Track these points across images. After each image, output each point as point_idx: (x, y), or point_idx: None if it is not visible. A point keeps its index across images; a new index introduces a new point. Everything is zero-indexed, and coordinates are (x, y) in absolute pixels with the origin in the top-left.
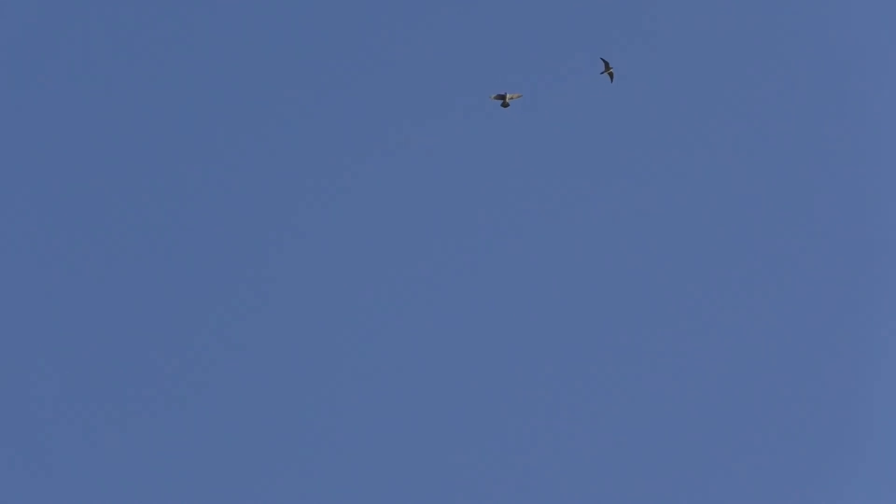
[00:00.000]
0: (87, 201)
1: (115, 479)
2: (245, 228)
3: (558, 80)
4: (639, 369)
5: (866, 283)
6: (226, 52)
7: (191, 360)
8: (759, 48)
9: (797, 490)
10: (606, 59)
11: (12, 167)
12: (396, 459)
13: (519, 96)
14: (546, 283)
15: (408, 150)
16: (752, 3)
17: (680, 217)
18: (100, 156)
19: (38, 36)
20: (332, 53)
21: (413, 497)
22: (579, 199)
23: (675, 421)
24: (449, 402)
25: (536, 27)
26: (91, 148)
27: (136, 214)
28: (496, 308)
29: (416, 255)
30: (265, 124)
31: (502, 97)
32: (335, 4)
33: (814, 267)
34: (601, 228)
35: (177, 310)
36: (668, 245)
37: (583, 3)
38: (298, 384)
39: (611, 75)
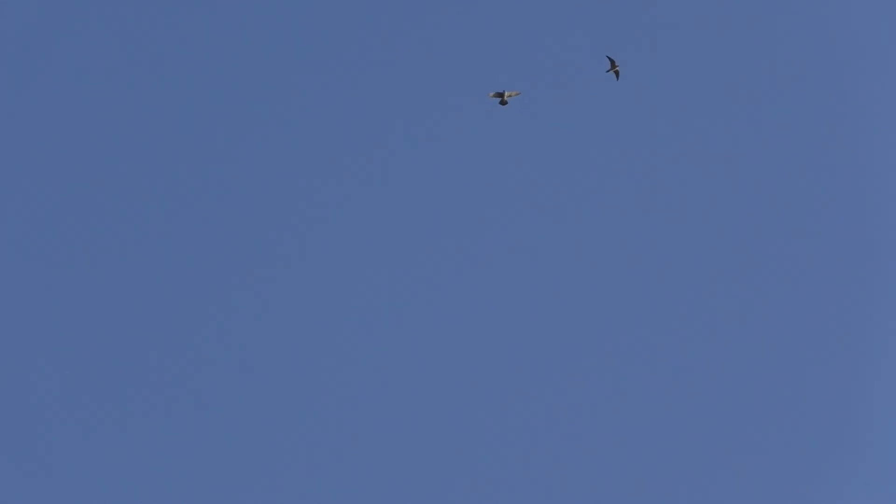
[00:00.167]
0: (87, 201)
1: (115, 479)
2: (245, 228)
3: (558, 79)
4: (638, 369)
5: (866, 283)
6: (226, 52)
7: (191, 360)
8: (760, 48)
9: (797, 490)
10: (612, 57)
11: (12, 167)
12: (396, 459)
13: (517, 94)
14: (546, 282)
15: (407, 149)
16: (753, 2)
17: (680, 217)
18: (100, 156)
19: (38, 36)
20: (331, 53)
21: (413, 497)
22: (579, 198)
23: (675, 421)
24: (449, 402)
25: (535, 26)
26: (91, 148)
27: (135, 214)
28: (496, 308)
29: (416, 254)
30: (265, 124)
31: (500, 95)
32: (334, 4)
33: (814, 267)
34: (601, 228)
35: (177, 310)
36: (668, 245)
37: (582, 1)
38: (299, 384)
39: (616, 73)
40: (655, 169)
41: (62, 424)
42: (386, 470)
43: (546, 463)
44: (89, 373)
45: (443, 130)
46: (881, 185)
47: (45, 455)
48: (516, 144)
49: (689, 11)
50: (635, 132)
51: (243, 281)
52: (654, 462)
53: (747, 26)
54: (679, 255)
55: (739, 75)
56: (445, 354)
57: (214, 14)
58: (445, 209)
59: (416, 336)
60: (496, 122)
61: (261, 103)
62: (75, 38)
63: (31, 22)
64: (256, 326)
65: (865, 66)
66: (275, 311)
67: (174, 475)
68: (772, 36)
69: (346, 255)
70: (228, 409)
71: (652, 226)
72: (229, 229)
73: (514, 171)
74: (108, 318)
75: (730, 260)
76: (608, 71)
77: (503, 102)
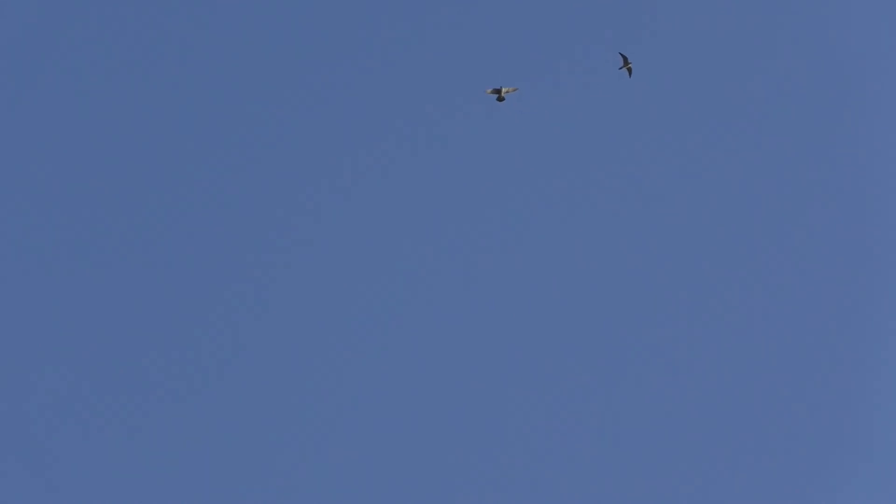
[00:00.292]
0: (87, 201)
1: (115, 479)
2: (245, 228)
3: (557, 78)
4: (638, 369)
5: (866, 283)
6: (226, 51)
7: (191, 361)
8: (760, 48)
9: (797, 490)
10: (625, 55)
11: (12, 167)
12: (396, 459)
13: (515, 90)
14: (546, 282)
15: (406, 148)
16: (753, 2)
17: (680, 216)
18: (100, 156)
19: (38, 36)
20: (330, 52)
21: (413, 497)
22: (579, 197)
23: (675, 421)
24: (450, 402)
25: (534, 24)
26: (91, 148)
27: (135, 214)
28: (496, 307)
29: (415, 254)
30: (263, 124)
31: (497, 91)
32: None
33: (814, 267)
34: (601, 227)
35: (176, 309)
36: (668, 244)
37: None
38: (299, 384)
39: (629, 70)
40: (655, 168)
41: (62, 424)
42: (385, 470)
43: (546, 463)
44: (89, 372)
45: (441, 128)
46: (881, 185)
47: (45, 455)
48: (515, 143)
49: (690, 11)
50: (635, 131)
51: (243, 280)
52: (655, 462)
53: (747, 26)
54: (680, 254)
55: (739, 75)
56: (445, 354)
57: (215, 14)
58: (444, 208)
59: (416, 336)
60: (494, 120)
61: (259, 103)
62: (75, 38)
63: (32, 22)
64: (257, 326)
65: (866, 66)
66: (275, 311)
67: (174, 475)
68: (772, 36)
69: (345, 254)
70: (228, 409)
71: (651, 225)
72: (229, 228)
73: (514, 169)
74: (108, 318)
75: (730, 260)
76: (621, 68)
77: (500, 99)
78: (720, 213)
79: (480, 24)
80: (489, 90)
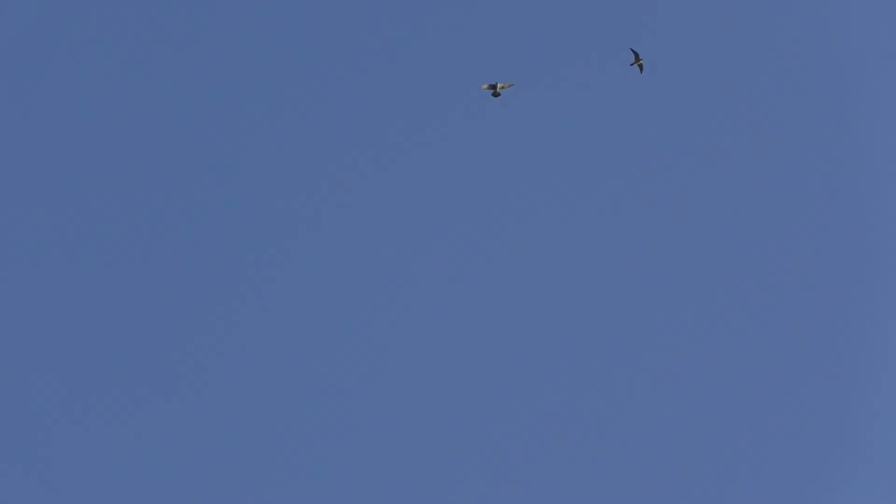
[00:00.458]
0: (87, 201)
1: (114, 479)
2: (245, 228)
3: (555, 75)
4: (638, 369)
5: (866, 283)
6: (226, 52)
7: (191, 360)
8: (759, 48)
9: (797, 490)
10: (636, 50)
11: (12, 167)
12: (396, 459)
13: (510, 86)
14: (546, 281)
15: (404, 147)
16: (753, 2)
17: (680, 216)
18: (100, 155)
19: (38, 36)
20: (329, 51)
21: (413, 497)
22: (579, 197)
23: (675, 421)
24: (450, 402)
25: (533, 23)
26: (91, 147)
27: (135, 214)
28: (496, 307)
29: (415, 254)
30: (263, 123)
31: (493, 87)
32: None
33: (814, 267)
34: (601, 226)
35: (176, 309)
36: (669, 244)
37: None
38: (299, 384)
39: (640, 66)
40: (654, 167)
41: (62, 424)
42: (386, 469)
43: (546, 463)
44: (89, 373)
45: (439, 126)
46: (881, 185)
47: (45, 455)
48: (514, 141)
49: (689, 11)
50: (634, 130)
51: (243, 280)
52: (655, 462)
53: (746, 26)
54: (680, 254)
55: (739, 75)
56: (445, 354)
57: (215, 14)
58: (444, 207)
59: (416, 336)
60: (491, 117)
61: (257, 102)
62: (75, 38)
63: (32, 22)
64: (256, 326)
65: (866, 66)
66: (274, 311)
67: (174, 475)
68: (772, 36)
69: (346, 254)
70: (229, 409)
71: (651, 224)
72: (229, 228)
73: (513, 168)
74: (108, 318)
75: (730, 259)
76: (632, 64)
77: (496, 94)
78: (720, 213)
79: (477, 21)
80: (484, 86)
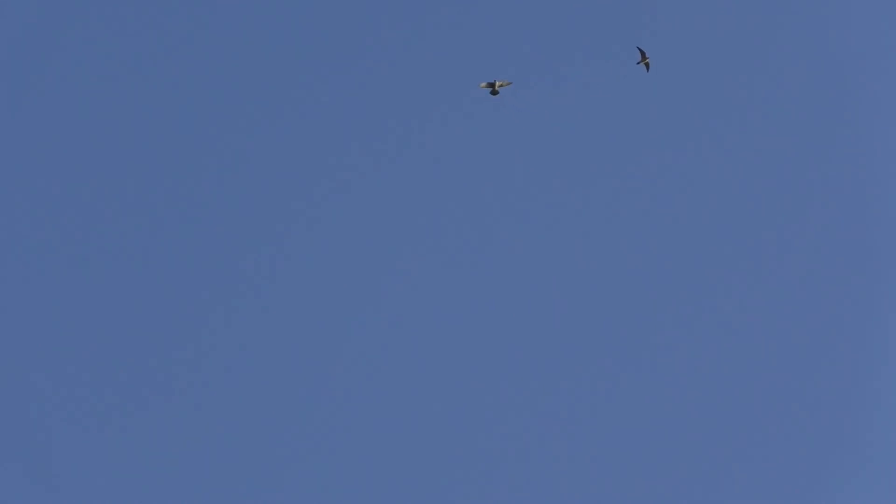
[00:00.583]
0: (87, 201)
1: (114, 479)
2: (244, 227)
3: (554, 74)
4: (638, 369)
5: (866, 283)
6: (225, 52)
7: (191, 360)
8: (759, 48)
9: (797, 490)
10: (643, 49)
11: (12, 167)
12: (396, 459)
13: (509, 84)
14: (547, 281)
15: (403, 146)
16: (753, 2)
17: (680, 216)
18: (100, 155)
19: (37, 36)
20: (329, 50)
21: (413, 497)
22: (579, 195)
23: (675, 421)
24: (450, 402)
25: (532, 21)
26: (91, 147)
27: (134, 213)
28: (495, 305)
29: (415, 253)
30: (262, 123)
31: (492, 85)
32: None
33: (814, 267)
34: (601, 226)
35: (176, 309)
36: (669, 243)
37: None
38: (299, 384)
39: (647, 65)
40: (653, 167)
41: (62, 424)
42: (385, 469)
43: (546, 463)
44: (88, 373)
45: (438, 124)
46: (881, 184)
47: (45, 455)
48: (513, 140)
49: (690, 10)
50: (633, 130)
51: (243, 280)
52: (655, 462)
53: (746, 26)
54: (680, 254)
55: (738, 75)
56: (444, 353)
57: (214, 14)
58: (442, 205)
59: (415, 335)
60: (490, 115)
61: (256, 102)
62: (75, 38)
63: (31, 22)
64: (256, 326)
65: (866, 66)
66: (274, 311)
67: (174, 475)
68: (772, 36)
69: (345, 253)
70: (228, 408)
71: (650, 224)
72: (229, 228)
73: (512, 166)
74: (107, 318)
75: (729, 259)
76: (639, 63)
77: (494, 92)
78: (720, 213)
79: (476, 20)
80: (483, 84)
